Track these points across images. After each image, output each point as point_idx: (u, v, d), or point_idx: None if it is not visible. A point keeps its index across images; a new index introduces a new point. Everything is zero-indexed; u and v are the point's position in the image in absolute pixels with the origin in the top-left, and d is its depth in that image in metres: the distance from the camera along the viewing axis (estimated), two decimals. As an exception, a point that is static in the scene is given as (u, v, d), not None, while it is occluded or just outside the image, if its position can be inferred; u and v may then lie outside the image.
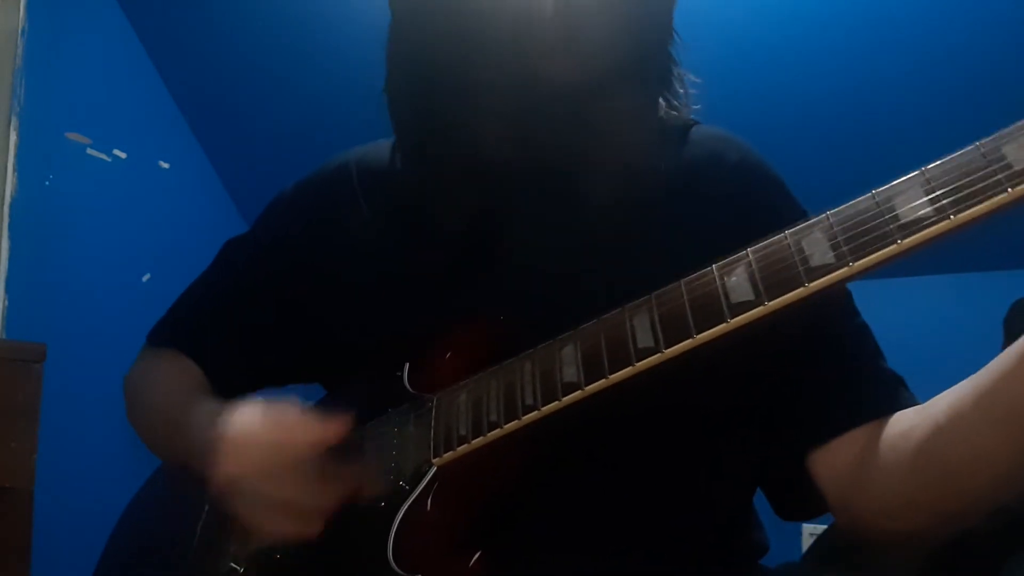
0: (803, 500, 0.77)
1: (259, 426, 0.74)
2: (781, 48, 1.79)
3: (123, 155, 2.19)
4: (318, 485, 0.73)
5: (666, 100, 0.84)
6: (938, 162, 0.57)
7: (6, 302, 1.91)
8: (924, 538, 0.72)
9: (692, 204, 0.80)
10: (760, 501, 0.87)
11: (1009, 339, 1.44)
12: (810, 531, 1.87)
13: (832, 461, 0.74)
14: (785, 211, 0.81)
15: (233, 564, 0.82)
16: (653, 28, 0.81)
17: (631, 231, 0.78)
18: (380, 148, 0.93)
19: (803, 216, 0.81)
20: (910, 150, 1.73)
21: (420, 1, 0.81)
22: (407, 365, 0.81)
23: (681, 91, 0.84)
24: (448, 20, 0.78)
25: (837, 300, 0.77)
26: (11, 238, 1.92)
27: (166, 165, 2.30)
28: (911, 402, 0.73)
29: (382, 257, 0.87)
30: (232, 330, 0.95)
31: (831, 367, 0.76)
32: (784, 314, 0.61)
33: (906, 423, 0.69)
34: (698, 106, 0.86)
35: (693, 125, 0.86)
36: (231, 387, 0.93)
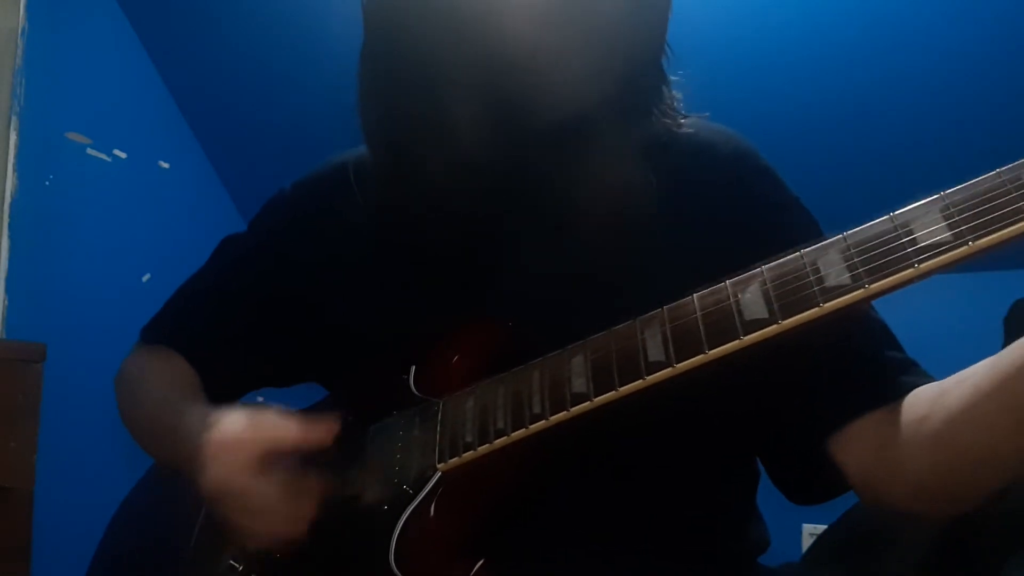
0: (816, 485, 0.77)
1: (243, 431, 0.75)
2: (784, 52, 1.79)
3: (123, 155, 2.18)
4: (302, 489, 0.73)
5: (657, 113, 0.83)
6: (958, 187, 0.56)
7: (6, 302, 1.90)
8: (941, 517, 0.72)
9: (687, 199, 0.80)
10: (762, 500, 0.87)
11: (1009, 339, 1.44)
12: (810, 531, 1.87)
13: (853, 444, 0.73)
14: (777, 199, 0.81)
15: (232, 562, 0.82)
16: (645, 48, 0.80)
17: (631, 233, 0.77)
18: None
19: (795, 203, 0.81)
20: (914, 153, 1.74)
21: (395, 26, 0.79)
22: (413, 368, 0.81)
23: (671, 103, 0.84)
24: (424, 52, 0.77)
25: None
26: (11, 238, 1.92)
27: (166, 165, 2.30)
28: (926, 381, 0.72)
29: (381, 258, 0.87)
30: (226, 329, 0.95)
31: (844, 353, 0.75)
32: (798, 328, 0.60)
33: (923, 408, 0.68)
34: (707, 113, 0.85)
35: (685, 118, 0.85)
36: (224, 387, 0.93)
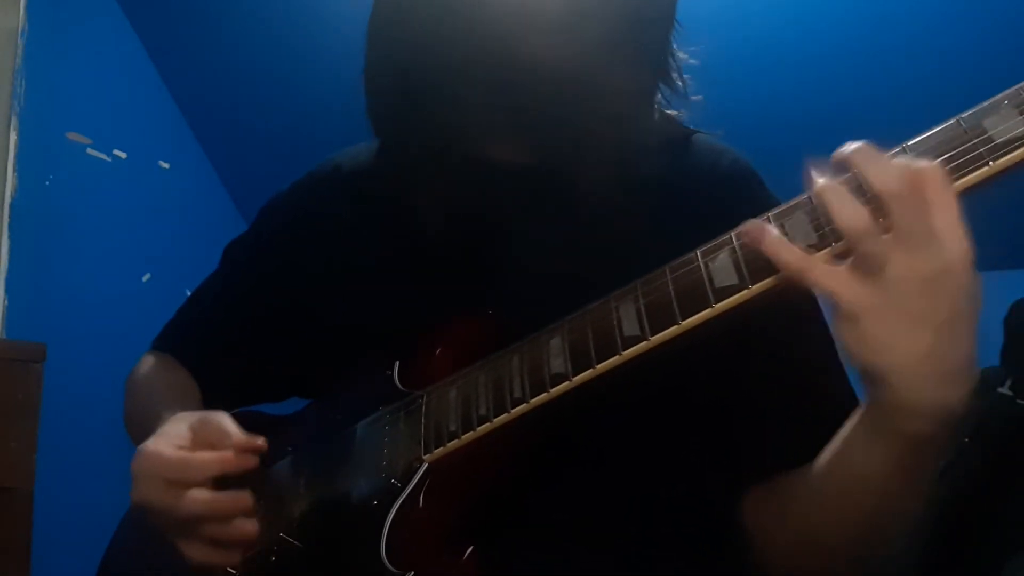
0: None
1: (168, 448, 0.73)
2: (782, 52, 1.79)
3: (123, 155, 2.19)
4: (222, 519, 0.71)
5: (664, 88, 0.83)
6: (919, 137, 0.57)
7: (6, 302, 1.91)
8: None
9: (684, 208, 0.80)
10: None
11: (1009, 339, 1.44)
12: (810, 531, 1.87)
13: (756, 505, 0.77)
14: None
15: (228, 568, 0.82)
16: (655, 11, 0.79)
17: (622, 229, 0.77)
18: (371, 148, 0.93)
19: None
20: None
21: (401, 8, 0.79)
22: (397, 364, 0.81)
23: (679, 82, 0.83)
24: (430, 32, 0.77)
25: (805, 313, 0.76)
26: (11, 238, 1.92)
27: (166, 165, 2.30)
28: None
29: (372, 255, 0.87)
30: (225, 340, 0.95)
31: (782, 407, 0.77)
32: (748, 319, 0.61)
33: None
34: (699, 96, 0.85)
35: (693, 134, 0.85)
36: (221, 399, 0.93)
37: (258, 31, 2.13)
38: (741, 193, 0.81)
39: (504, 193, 0.81)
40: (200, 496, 0.70)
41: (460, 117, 0.78)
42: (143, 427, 0.91)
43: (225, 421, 0.75)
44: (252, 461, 0.73)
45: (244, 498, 0.72)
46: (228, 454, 0.72)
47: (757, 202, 0.82)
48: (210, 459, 0.72)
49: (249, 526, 0.72)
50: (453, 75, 0.77)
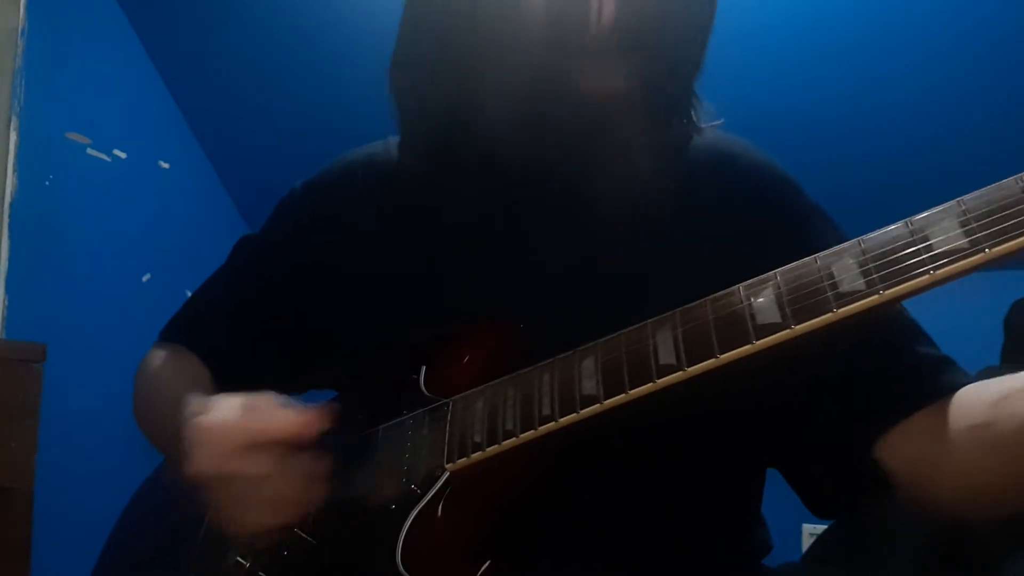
0: (847, 493, 0.76)
1: (231, 416, 0.73)
2: (788, 53, 1.79)
3: (123, 155, 2.19)
4: (291, 478, 0.71)
5: (689, 116, 0.83)
6: (975, 193, 0.56)
7: (6, 302, 1.90)
8: (1003, 515, 0.70)
9: (706, 204, 0.80)
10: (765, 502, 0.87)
11: (1009, 339, 1.44)
12: (810, 531, 1.87)
13: (900, 445, 0.71)
14: (800, 209, 0.81)
15: (239, 558, 0.82)
16: (694, 46, 0.79)
17: (646, 234, 0.77)
18: (388, 146, 0.92)
19: (818, 212, 0.81)
20: (918, 154, 1.74)
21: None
22: (424, 368, 0.81)
23: (695, 114, 0.84)
24: (465, 40, 0.77)
25: None
26: (11, 238, 1.92)
27: (166, 165, 2.30)
28: (967, 380, 0.71)
29: (393, 257, 0.87)
30: (240, 330, 0.95)
31: (883, 353, 0.74)
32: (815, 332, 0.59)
33: (982, 412, 0.66)
34: (721, 120, 0.85)
35: (703, 128, 0.85)
36: (237, 388, 0.93)
37: (258, 31, 2.13)
38: (766, 185, 0.81)
39: (527, 197, 0.81)
40: (271, 455, 0.70)
41: (485, 123, 0.78)
42: (158, 415, 0.91)
43: (273, 399, 0.74)
44: (315, 429, 0.73)
45: (310, 458, 0.72)
46: (296, 418, 0.72)
47: (782, 192, 0.82)
48: (278, 422, 0.72)
49: (315, 484, 0.72)
50: (483, 90, 0.77)
